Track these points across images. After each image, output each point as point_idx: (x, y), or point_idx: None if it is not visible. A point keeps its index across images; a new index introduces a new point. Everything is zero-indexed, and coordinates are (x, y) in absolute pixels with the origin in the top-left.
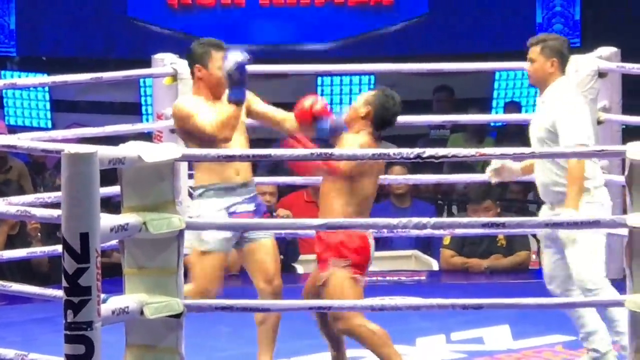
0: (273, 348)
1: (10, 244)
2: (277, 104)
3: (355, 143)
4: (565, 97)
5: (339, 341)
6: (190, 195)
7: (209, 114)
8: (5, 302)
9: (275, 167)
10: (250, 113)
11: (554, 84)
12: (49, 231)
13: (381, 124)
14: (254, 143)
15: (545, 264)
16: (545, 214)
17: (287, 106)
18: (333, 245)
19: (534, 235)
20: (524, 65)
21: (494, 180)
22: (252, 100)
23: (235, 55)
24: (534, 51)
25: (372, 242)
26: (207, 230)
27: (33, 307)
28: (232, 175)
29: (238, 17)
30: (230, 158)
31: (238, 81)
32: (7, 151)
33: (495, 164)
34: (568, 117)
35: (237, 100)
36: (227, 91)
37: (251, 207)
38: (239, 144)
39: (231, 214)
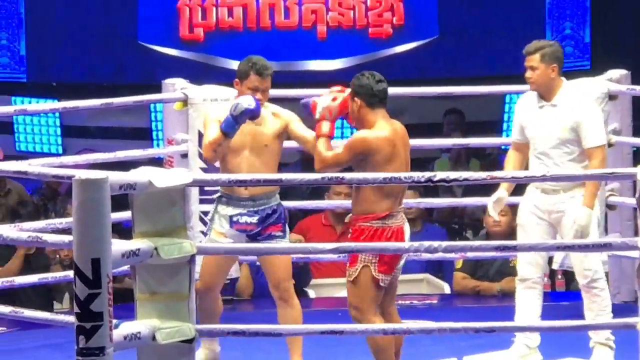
0: None
1: (27, 263)
2: None
3: (373, 135)
4: (585, 101)
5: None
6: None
7: (213, 131)
8: (18, 328)
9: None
10: (289, 135)
11: (565, 88)
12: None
13: (375, 99)
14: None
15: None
16: (541, 199)
17: None
18: (364, 241)
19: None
20: None
21: (497, 215)
22: (292, 123)
23: (247, 100)
24: (534, 59)
25: (407, 238)
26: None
27: (46, 332)
28: (240, 189)
29: (245, 37)
30: (242, 183)
31: (236, 120)
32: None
33: (494, 197)
34: (592, 119)
35: (226, 133)
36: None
37: (254, 219)
38: (247, 164)
39: (233, 223)
